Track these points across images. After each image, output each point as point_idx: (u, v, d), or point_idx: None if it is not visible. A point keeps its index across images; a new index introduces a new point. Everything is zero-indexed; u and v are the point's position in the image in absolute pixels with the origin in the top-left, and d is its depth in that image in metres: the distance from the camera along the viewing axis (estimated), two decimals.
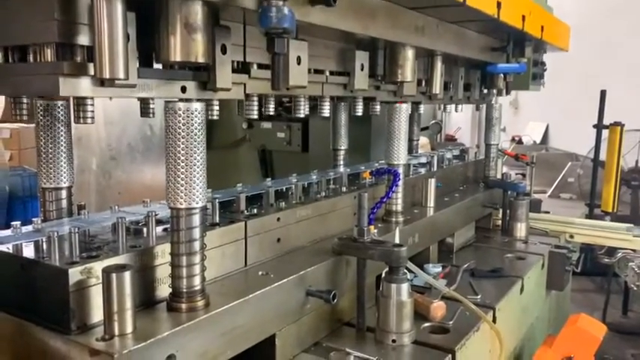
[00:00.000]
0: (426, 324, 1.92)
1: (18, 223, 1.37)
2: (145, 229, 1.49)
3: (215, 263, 1.54)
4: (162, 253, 1.40)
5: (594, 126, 5.40)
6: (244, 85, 1.64)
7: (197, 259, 1.37)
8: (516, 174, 4.82)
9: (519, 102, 10.84)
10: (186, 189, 1.30)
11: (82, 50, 1.22)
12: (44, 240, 1.31)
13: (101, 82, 1.21)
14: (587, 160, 6.46)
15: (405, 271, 1.78)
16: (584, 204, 5.59)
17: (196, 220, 1.35)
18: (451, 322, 1.94)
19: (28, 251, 1.33)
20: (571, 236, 3.33)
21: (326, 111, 2.14)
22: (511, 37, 3.00)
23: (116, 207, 1.60)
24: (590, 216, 5.12)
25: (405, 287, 1.75)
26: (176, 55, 1.29)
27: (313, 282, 1.70)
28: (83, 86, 1.21)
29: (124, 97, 1.30)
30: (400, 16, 2.05)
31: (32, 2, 1.19)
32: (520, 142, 9.90)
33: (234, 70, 1.55)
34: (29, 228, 1.39)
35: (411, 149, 3.25)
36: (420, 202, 2.65)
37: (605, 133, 5.24)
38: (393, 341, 1.75)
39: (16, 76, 1.27)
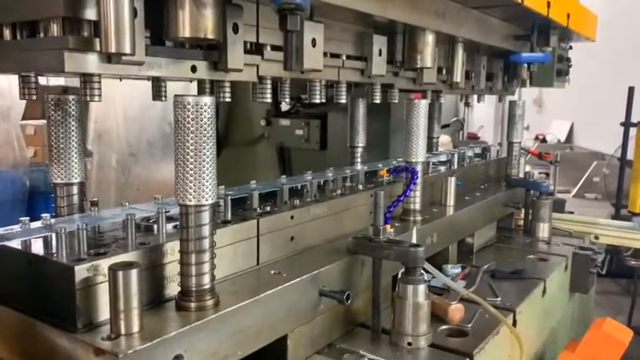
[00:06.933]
0: (444, 326, 1.87)
1: (27, 219, 1.36)
2: (155, 226, 1.46)
3: (226, 261, 1.51)
4: (172, 251, 1.38)
5: (622, 124, 5.29)
6: (257, 66, 1.59)
7: (206, 257, 1.33)
8: (539, 173, 4.71)
9: (543, 100, 10.66)
10: (195, 185, 1.26)
11: (88, 25, 1.18)
12: (52, 236, 1.29)
13: (108, 59, 1.18)
14: (614, 160, 6.32)
15: (422, 272, 1.73)
16: (611, 204, 5.49)
17: (206, 217, 1.31)
18: (470, 325, 1.88)
19: (37, 247, 1.31)
20: (596, 237, 3.24)
21: (342, 97, 2.07)
22: (536, 25, 2.89)
23: (127, 203, 1.58)
24: (616, 216, 5.02)
25: (421, 289, 1.70)
26: (185, 31, 1.24)
27: (327, 282, 1.66)
28: (89, 62, 1.18)
29: (132, 77, 1.26)
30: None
31: None
32: (544, 140, 9.73)
33: (246, 52, 1.50)
34: (38, 224, 1.38)
35: (431, 147, 3.17)
36: (440, 201, 2.59)
37: (632, 131, 5.13)
38: (409, 344, 1.70)
39: (22, 51, 1.24)
